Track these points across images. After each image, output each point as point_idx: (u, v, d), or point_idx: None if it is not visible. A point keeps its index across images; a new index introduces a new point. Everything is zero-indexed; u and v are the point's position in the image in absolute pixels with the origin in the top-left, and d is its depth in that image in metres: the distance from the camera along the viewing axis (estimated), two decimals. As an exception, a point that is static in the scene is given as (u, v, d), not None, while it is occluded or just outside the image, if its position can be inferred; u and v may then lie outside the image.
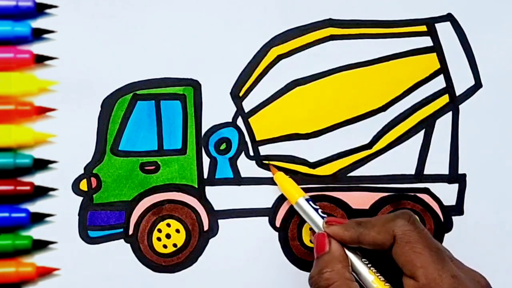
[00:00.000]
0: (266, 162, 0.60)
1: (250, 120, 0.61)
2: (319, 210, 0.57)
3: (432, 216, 0.61)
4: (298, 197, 0.58)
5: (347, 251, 0.54)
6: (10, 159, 0.58)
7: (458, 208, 0.61)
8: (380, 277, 0.53)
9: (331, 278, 0.52)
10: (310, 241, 0.60)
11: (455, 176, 0.61)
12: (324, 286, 0.52)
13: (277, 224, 0.60)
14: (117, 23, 0.61)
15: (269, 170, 0.60)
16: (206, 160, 0.60)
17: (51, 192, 0.59)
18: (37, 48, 0.60)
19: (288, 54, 0.61)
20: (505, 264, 0.61)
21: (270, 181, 0.60)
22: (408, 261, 0.51)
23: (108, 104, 0.60)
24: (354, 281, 0.53)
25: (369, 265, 0.53)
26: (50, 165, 0.59)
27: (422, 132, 0.61)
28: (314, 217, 0.56)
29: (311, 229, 0.57)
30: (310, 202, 0.57)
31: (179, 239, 0.60)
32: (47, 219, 0.59)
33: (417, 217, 0.53)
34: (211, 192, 0.60)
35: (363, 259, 0.54)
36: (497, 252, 0.61)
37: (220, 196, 0.60)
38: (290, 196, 0.58)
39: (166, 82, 0.60)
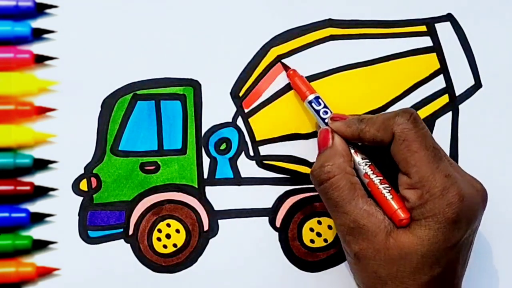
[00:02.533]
0: (281, 62, 0.60)
1: (250, 120, 0.61)
2: (328, 108, 0.57)
3: (432, 216, 0.61)
4: (308, 95, 0.58)
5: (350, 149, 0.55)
6: (10, 159, 0.58)
7: (458, 208, 0.61)
8: (376, 178, 0.53)
9: (332, 171, 0.53)
10: (310, 241, 0.60)
11: (455, 176, 0.61)
12: (325, 179, 0.53)
13: (277, 224, 0.60)
14: (117, 23, 0.61)
15: (269, 170, 0.60)
16: (206, 160, 0.60)
17: (51, 192, 0.59)
18: (37, 48, 0.60)
19: (288, 54, 0.61)
20: (505, 263, 0.61)
21: (270, 181, 0.60)
22: (403, 159, 0.52)
23: (108, 104, 0.60)
24: (355, 175, 0.54)
25: (368, 163, 0.54)
26: (50, 165, 0.59)
27: (422, 132, 0.61)
28: (322, 114, 0.57)
29: (319, 127, 0.57)
30: (320, 100, 0.57)
31: (179, 239, 0.60)
32: (47, 219, 0.59)
33: (418, 115, 0.53)
34: (211, 192, 0.60)
35: (363, 158, 0.54)
36: (498, 250, 0.61)
37: (220, 196, 0.60)
38: (300, 93, 0.59)
39: (166, 82, 0.60)
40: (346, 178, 0.53)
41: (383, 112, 0.57)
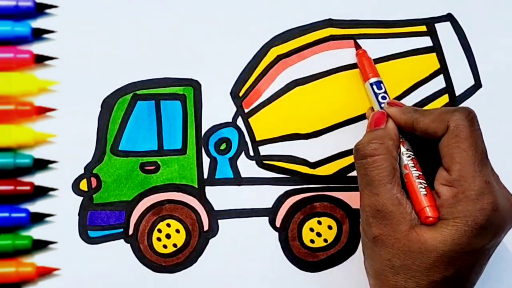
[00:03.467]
0: (354, 40, 0.61)
1: (250, 120, 0.61)
2: (386, 94, 0.57)
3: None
4: (371, 77, 0.58)
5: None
6: (10, 159, 0.58)
7: (458, 208, 0.61)
8: (415, 172, 0.53)
9: (379, 149, 0.53)
10: (310, 241, 0.60)
11: (455, 176, 0.61)
12: (370, 154, 0.53)
13: (277, 224, 0.60)
14: (117, 23, 0.61)
15: (269, 170, 0.60)
16: (206, 160, 0.60)
17: (51, 192, 0.59)
18: (37, 48, 0.60)
19: (288, 54, 0.61)
20: (505, 263, 0.61)
21: (270, 181, 0.60)
22: (449, 154, 0.51)
23: (108, 104, 0.60)
24: (398, 162, 0.53)
25: (412, 156, 0.54)
26: (50, 165, 0.59)
27: (422, 132, 0.61)
28: (380, 99, 0.57)
29: (371, 111, 0.58)
30: (382, 85, 0.58)
31: (179, 239, 0.60)
32: (47, 219, 0.59)
33: (476, 116, 0.53)
34: (211, 192, 0.60)
35: (408, 150, 0.54)
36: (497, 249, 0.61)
37: (220, 196, 0.60)
38: (364, 74, 0.59)
39: (166, 82, 0.60)
40: (390, 161, 0.52)
41: (440, 107, 0.56)
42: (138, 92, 0.60)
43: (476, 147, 0.51)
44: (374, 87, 0.58)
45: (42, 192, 0.59)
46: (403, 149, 0.54)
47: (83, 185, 0.59)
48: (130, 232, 0.60)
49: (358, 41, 0.61)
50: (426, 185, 0.52)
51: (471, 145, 0.51)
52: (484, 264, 0.53)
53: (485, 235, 0.50)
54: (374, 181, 0.52)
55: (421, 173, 0.53)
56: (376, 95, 0.57)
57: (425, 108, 0.61)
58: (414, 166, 0.53)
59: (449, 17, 0.62)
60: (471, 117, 0.52)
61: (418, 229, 0.51)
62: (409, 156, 0.54)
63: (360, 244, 0.60)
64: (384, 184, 0.52)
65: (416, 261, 0.50)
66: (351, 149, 0.60)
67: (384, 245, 0.51)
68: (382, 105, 0.57)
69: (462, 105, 0.62)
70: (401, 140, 0.54)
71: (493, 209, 0.50)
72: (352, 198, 0.61)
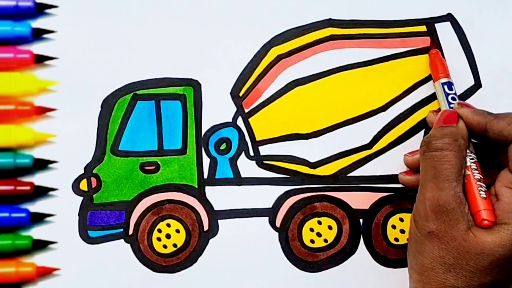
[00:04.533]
0: (431, 38, 0.61)
1: (250, 120, 0.61)
2: (455, 95, 0.58)
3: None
4: (442, 77, 0.59)
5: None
6: (10, 159, 0.58)
7: (458, 208, 0.61)
8: (477, 175, 0.53)
9: (452, 145, 0.52)
10: (310, 241, 0.60)
11: (455, 176, 0.61)
12: (441, 148, 0.52)
13: (277, 224, 0.60)
14: (117, 23, 0.61)
15: (269, 170, 0.60)
16: (206, 160, 0.60)
17: (51, 192, 0.59)
18: (37, 48, 0.60)
19: (288, 54, 0.61)
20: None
21: (270, 181, 0.60)
22: None
23: (108, 104, 0.60)
24: (464, 162, 0.53)
25: (475, 159, 0.54)
26: (50, 165, 0.59)
27: (422, 132, 0.61)
28: (450, 99, 0.58)
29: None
30: (453, 86, 0.58)
31: (179, 239, 0.60)
32: (47, 219, 0.59)
33: None
34: (211, 192, 0.60)
35: (472, 152, 0.54)
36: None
37: (220, 196, 0.60)
38: (434, 74, 0.59)
39: (166, 82, 0.60)
40: (460, 159, 0.52)
41: None
42: (138, 92, 0.60)
43: None
44: (445, 87, 0.58)
45: (42, 192, 0.59)
46: (468, 151, 0.54)
47: (83, 185, 0.59)
48: (130, 232, 0.60)
49: (358, 41, 0.61)
50: (485, 190, 0.53)
51: None
52: None
53: None
54: (441, 175, 0.52)
55: (482, 177, 0.53)
56: (446, 95, 0.58)
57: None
58: (476, 169, 0.53)
59: (449, 17, 0.62)
60: None
61: (475, 231, 0.51)
62: (472, 159, 0.54)
63: (360, 244, 0.60)
64: (450, 180, 0.52)
65: (471, 261, 0.50)
66: (351, 149, 0.61)
67: (438, 241, 0.51)
68: (452, 105, 0.57)
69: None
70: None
71: None
72: (352, 198, 0.61)
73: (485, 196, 0.52)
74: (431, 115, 0.58)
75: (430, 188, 0.52)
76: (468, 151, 0.54)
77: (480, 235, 0.50)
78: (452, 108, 0.57)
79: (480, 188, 0.52)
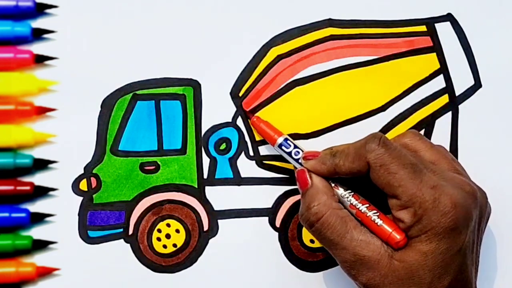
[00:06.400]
0: (245, 110, 0.60)
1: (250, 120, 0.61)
2: (299, 147, 0.57)
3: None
4: (277, 138, 0.58)
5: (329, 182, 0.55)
6: (10, 159, 0.58)
7: (458, 208, 0.61)
8: (362, 207, 0.53)
9: (319, 211, 0.53)
10: (310, 241, 0.60)
11: (455, 176, 0.61)
12: (315, 220, 0.53)
13: (277, 224, 0.60)
14: (117, 23, 0.61)
15: (269, 170, 0.60)
16: (206, 160, 0.60)
17: (51, 192, 0.59)
18: (37, 48, 0.60)
19: (288, 54, 0.61)
20: (505, 265, 0.61)
21: (270, 181, 0.60)
22: (386, 183, 0.52)
23: (108, 104, 0.60)
24: (342, 209, 0.54)
25: (351, 194, 0.54)
26: (50, 165, 0.59)
27: (422, 132, 0.61)
28: (294, 155, 0.57)
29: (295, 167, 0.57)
30: (289, 142, 0.57)
31: (179, 239, 0.60)
32: (47, 219, 0.59)
33: (386, 137, 0.53)
34: (211, 192, 0.60)
35: (346, 189, 0.54)
36: (499, 250, 0.61)
37: (220, 196, 0.60)
38: (269, 139, 0.58)
39: (166, 82, 0.60)
40: (335, 213, 0.53)
41: (352, 143, 0.55)
42: (138, 92, 0.60)
43: (404, 164, 0.52)
44: (283, 147, 0.57)
45: (42, 192, 0.59)
46: (340, 191, 0.54)
47: (83, 185, 0.60)
48: (130, 232, 0.60)
49: (358, 41, 0.61)
50: (378, 214, 0.53)
51: (398, 165, 0.51)
52: (474, 255, 0.53)
53: (459, 233, 0.51)
54: (333, 239, 0.53)
55: (368, 205, 0.53)
56: (289, 154, 0.57)
57: (429, 114, 0.61)
58: (359, 202, 0.54)
59: (449, 17, 0.62)
60: (382, 142, 0.52)
61: (397, 257, 0.51)
62: (349, 195, 0.54)
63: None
64: (343, 237, 0.52)
65: (411, 285, 0.51)
66: (351, 149, 0.61)
67: (377, 287, 0.52)
68: (300, 160, 0.56)
69: (462, 105, 0.62)
70: (334, 184, 0.55)
71: (453, 207, 0.51)
72: (352, 198, 0.61)
73: (381, 220, 0.52)
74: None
75: (336, 254, 0.53)
76: (340, 191, 0.54)
77: (403, 258, 0.51)
78: (300, 163, 0.56)
79: (374, 216, 0.53)
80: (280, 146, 0.57)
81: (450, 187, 0.52)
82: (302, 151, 0.57)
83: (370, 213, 0.53)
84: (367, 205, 0.53)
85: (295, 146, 0.57)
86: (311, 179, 0.55)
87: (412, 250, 0.51)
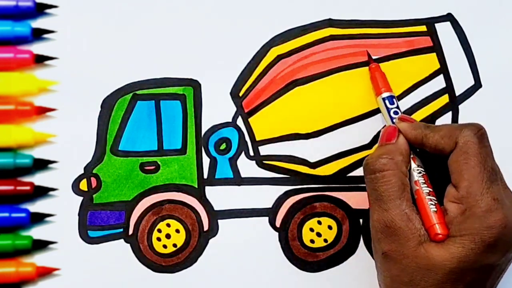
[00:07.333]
0: (368, 53, 0.60)
1: (250, 120, 0.61)
2: (400, 110, 0.57)
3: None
4: (384, 92, 0.58)
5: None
6: (10, 159, 0.58)
7: (458, 208, 0.61)
8: (425, 188, 0.53)
9: (387, 164, 0.52)
10: (310, 241, 0.60)
11: (455, 176, 0.61)
12: (379, 169, 0.52)
13: (277, 224, 0.60)
14: (117, 23, 0.61)
15: (269, 170, 0.60)
16: (206, 160, 0.60)
17: (51, 192, 0.59)
18: (37, 48, 0.60)
19: (288, 54, 0.61)
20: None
21: (270, 181, 0.60)
22: (458, 171, 0.51)
23: (108, 104, 0.60)
24: (407, 177, 0.53)
25: (422, 172, 0.54)
26: (50, 165, 0.59)
27: (422, 132, 0.61)
28: (392, 114, 0.57)
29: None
30: (394, 100, 0.58)
31: (179, 239, 0.60)
32: (47, 219, 0.59)
33: (486, 133, 0.53)
34: (211, 192, 0.60)
35: (419, 166, 0.54)
36: None
37: (220, 196, 0.60)
38: (376, 88, 0.59)
39: (166, 82, 0.60)
40: (399, 176, 0.52)
41: (450, 123, 0.55)
42: (138, 92, 0.60)
43: (485, 164, 0.51)
44: (387, 101, 0.58)
45: (42, 192, 0.59)
46: (414, 165, 0.54)
47: (83, 185, 0.60)
48: (130, 232, 0.60)
49: (358, 41, 0.61)
50: (436, 202, 0.52)
51: (479, 162, 0.51)
52: (496, 278, 0.52)
53: (494, 252, 0.50)
54: (383, 196, 0.52)
55: (431, 190, 0.53)
56: (388, 109, 0.58)
57: (429, 114, 0.61)
58: (424, 183, 0.53)
59: (449, 17, 0.62)
60: (480, 133, 0.52)
61: (426, 246, 0.51)
62: (419, 172, 0.54)
63: (360, 244, 0.60)
64: (393, 199, 0.52)
65: (424, 277, 0.50)
66: (351, 149, 0.61)
67: (392, 261, 0.51)
68: (394, 120, 0.57)
69: (462, 105, 0.62)
70: (412, 156, 0.54)
71: (501, 226, 0.50)
72: (352, 198, 0.61)
73: (435, 209, 0.52)
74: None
75: (375, 211, 0.52)
76: (414, 164, 0.54)
77: (430, 249, 0.50)
78: (394, 123, 0.57)
79: (430, 202, 0.52)
80: (384, 99, 0.58)
81: (511, 208, 0.51)
82: (401, 113, 0.57)
83: (428, 197, 0.52)
84: (430, 189, 0.53)
85: (397, 107, 0.58)
86: (398, 137, 0.55)
87: (442, 247, 0.50)
